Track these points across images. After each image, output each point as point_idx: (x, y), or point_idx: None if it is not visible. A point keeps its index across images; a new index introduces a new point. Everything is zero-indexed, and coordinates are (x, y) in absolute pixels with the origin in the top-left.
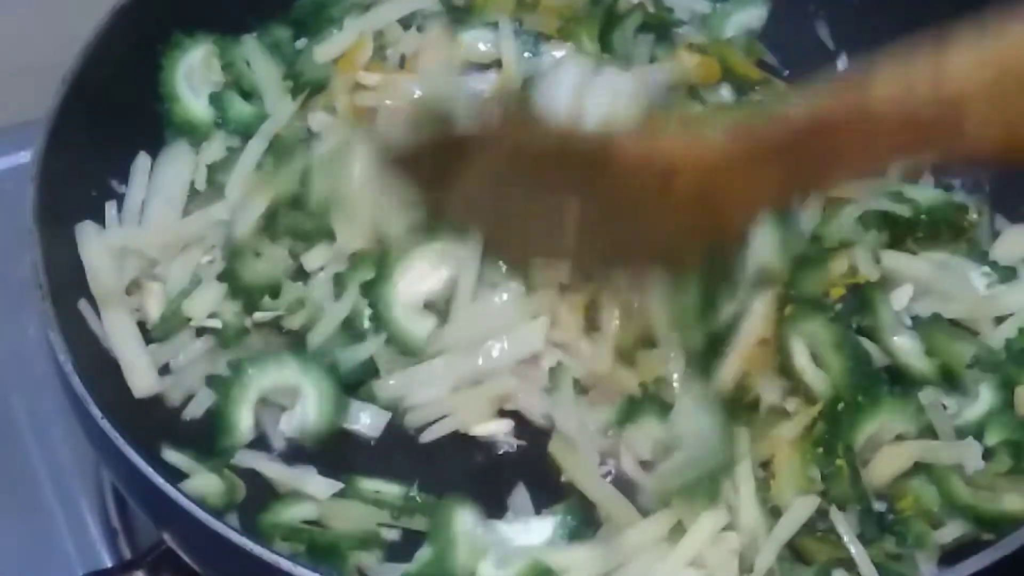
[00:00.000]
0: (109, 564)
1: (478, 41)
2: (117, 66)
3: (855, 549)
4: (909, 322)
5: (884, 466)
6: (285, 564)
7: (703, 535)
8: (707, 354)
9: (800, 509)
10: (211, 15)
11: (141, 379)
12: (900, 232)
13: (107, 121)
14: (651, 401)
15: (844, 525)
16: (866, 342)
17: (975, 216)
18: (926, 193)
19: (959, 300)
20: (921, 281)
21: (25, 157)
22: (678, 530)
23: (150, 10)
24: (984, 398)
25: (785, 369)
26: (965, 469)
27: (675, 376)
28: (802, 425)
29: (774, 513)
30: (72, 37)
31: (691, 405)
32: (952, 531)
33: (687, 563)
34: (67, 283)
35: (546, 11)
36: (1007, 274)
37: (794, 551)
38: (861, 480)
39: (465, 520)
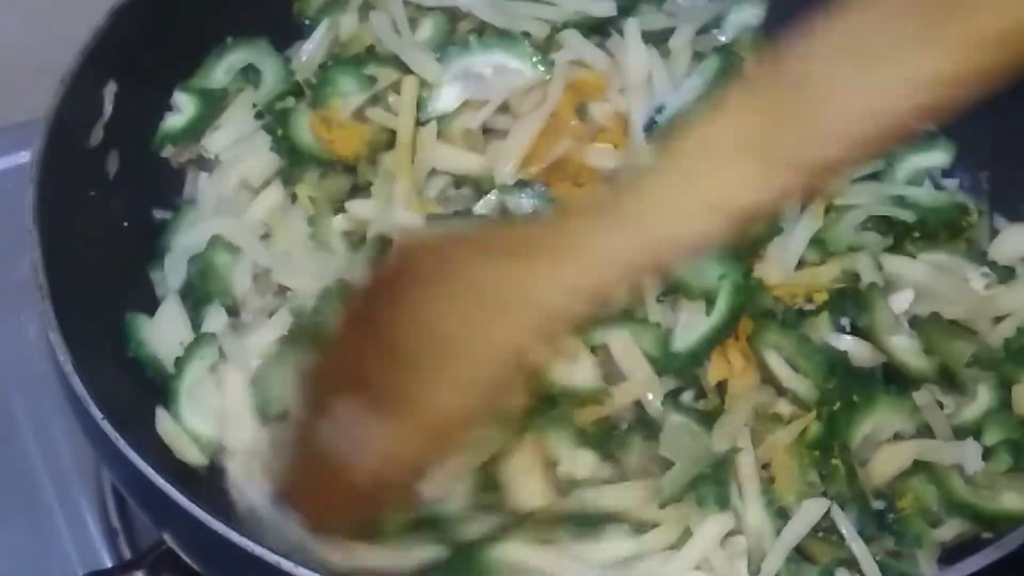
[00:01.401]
0: (109, 564)
1: None
2: (116, 66)
3: (856, 547)
4: (907, 326)
5: (883, 465)
6: (286, 564)
7: (709, 539)
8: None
9: (809, 512)
10: (210, 14)
11: None
12: (899, 234)
13: (107, 121)
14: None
15: (845, 524)
16: (858, 341)
17: (975, 217)
18: (927, 195)
19: (958, 301)
20: (920, 284)
21: (25, 157)
22: (684, 534)
23: (149, 11)
24: (982, 397)
25: (771, 380)
26: (965, 468)
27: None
28: (797, 430)
29: (780, 515)
30: (72, 37)
31: (676, 426)
32: (951, 529)
33: (693, 566)
34: (67, 283)
35: None
36: (1006, 274)
37: (799, 551)
38: (858, 479)
39: None
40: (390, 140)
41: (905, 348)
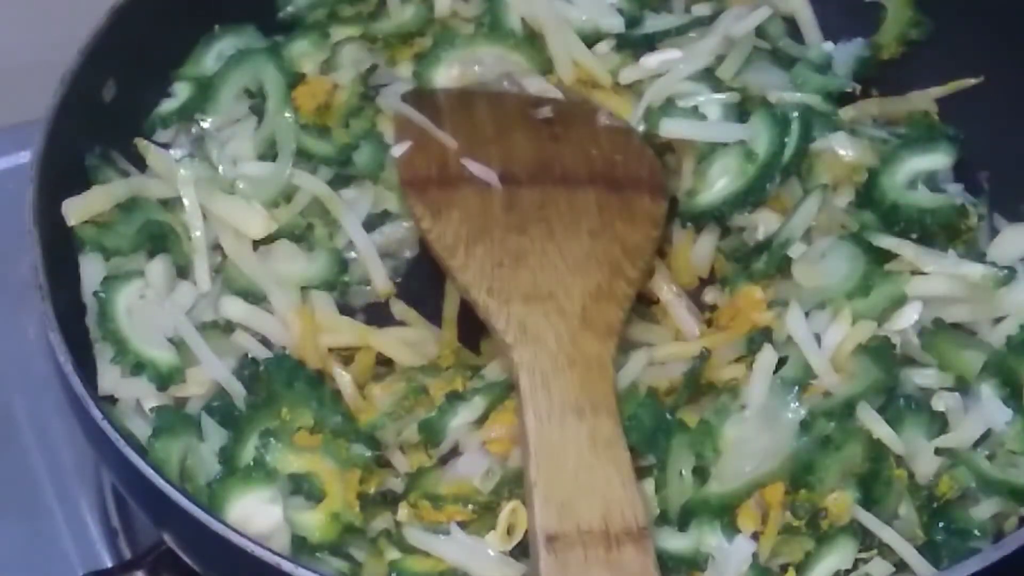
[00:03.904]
0: (109, 564)
1: None
2: (116, 66)
3: (887, 535)
4: (917, 340)
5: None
6: (287, 565)
7: None
8: None
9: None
10: (210, 14)
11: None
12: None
13: (107, 121)
14: None
15: (868, 517)
16: None
17: (974, 220)
18: (924, 197)
19: (959, 303)
20: (925, 296)
21: (25, 157)
22: None
23: (148, 10)
24: (986, 394)
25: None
26: (993, 428)
27: None
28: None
29: None
30: (72, 37)
31: None
32: (989, 508)
33: None
34: (67, 283)
35: None
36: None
37: None
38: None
39: None
40: None
41: (921, 373)
